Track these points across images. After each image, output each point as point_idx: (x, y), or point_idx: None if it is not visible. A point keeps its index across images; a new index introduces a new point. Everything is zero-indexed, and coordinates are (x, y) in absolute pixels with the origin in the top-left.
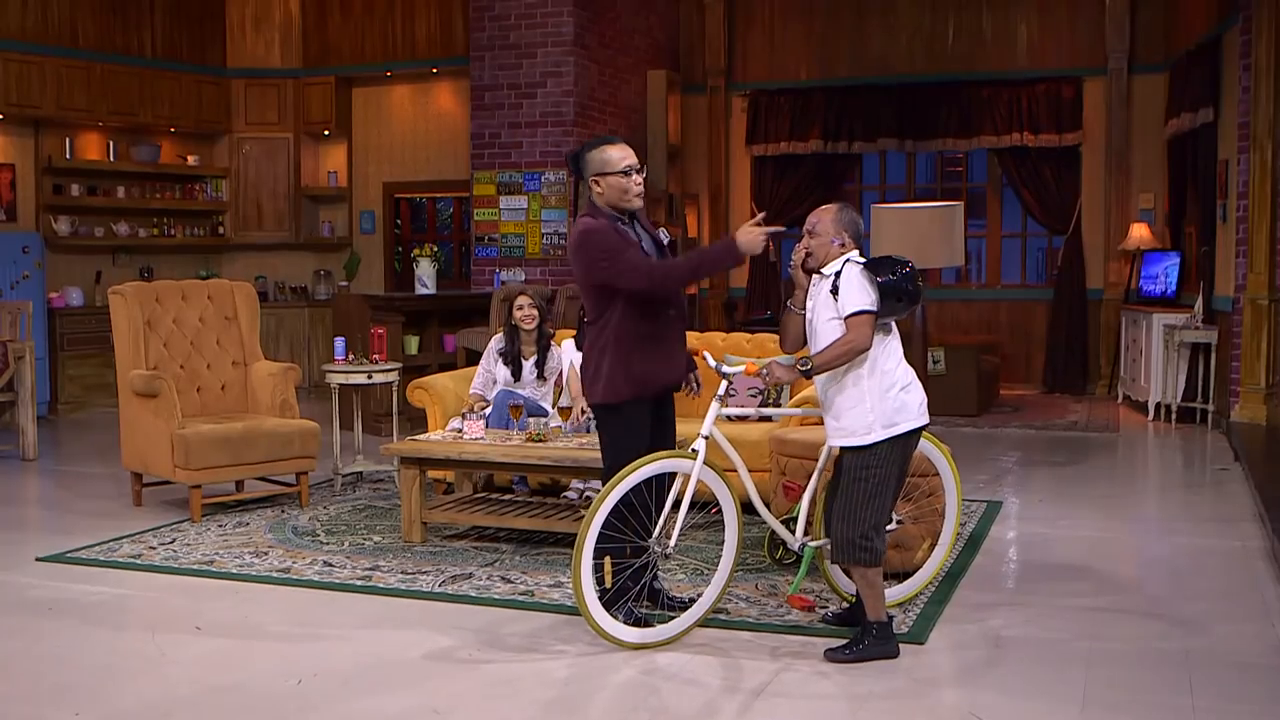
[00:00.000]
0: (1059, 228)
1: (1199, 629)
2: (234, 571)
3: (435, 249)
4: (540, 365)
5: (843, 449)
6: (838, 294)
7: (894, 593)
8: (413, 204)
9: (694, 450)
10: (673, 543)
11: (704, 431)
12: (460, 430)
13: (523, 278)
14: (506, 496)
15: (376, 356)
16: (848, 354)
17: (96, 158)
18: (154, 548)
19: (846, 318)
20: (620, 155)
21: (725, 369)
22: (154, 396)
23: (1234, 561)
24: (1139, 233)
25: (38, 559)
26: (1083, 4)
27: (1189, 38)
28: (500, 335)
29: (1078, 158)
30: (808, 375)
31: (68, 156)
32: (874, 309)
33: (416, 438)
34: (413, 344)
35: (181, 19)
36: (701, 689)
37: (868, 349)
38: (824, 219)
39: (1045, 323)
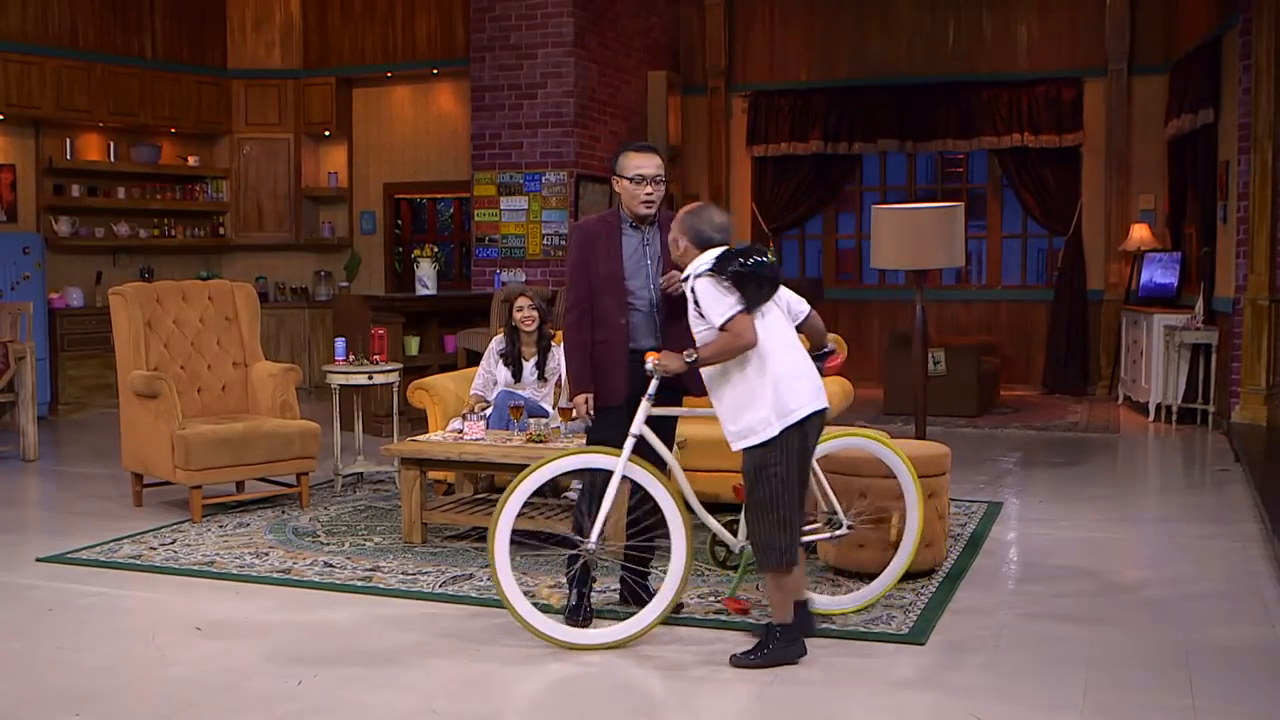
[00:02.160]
0: (1059, 228)
1: (1199, 629)
2: (234, 572)
3: (435, 250)
4: (540, 366)
5: (745, 451)
6: (700, 308)
7: (855, 597)
8: (413, 205)
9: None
10: (593, 540)
11: (634, 430)
12: (461, 431)
13: (523, 279)
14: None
15: (377, 357)
16: (733, 349)
17: (97, 158)
18: (154, 548)
19: (720, 328)
20: (636, 163)
21: (647, 366)
22: (154, 397)
23: (1234, 561)
24: (1139, 233)
25: (38, 560)
26: (1083, 5)
27: (1189, 39)
28: (501, 336)
29: (1078, 159)
30: (693, 366)
31: (68, 157)
32: (742, 307)
33: (417, 438)
34: (413, 345)
35: (182, 20)
36: (702, 688)
37: (753, 343)
38: (674, 221)
39: (1045, 323)
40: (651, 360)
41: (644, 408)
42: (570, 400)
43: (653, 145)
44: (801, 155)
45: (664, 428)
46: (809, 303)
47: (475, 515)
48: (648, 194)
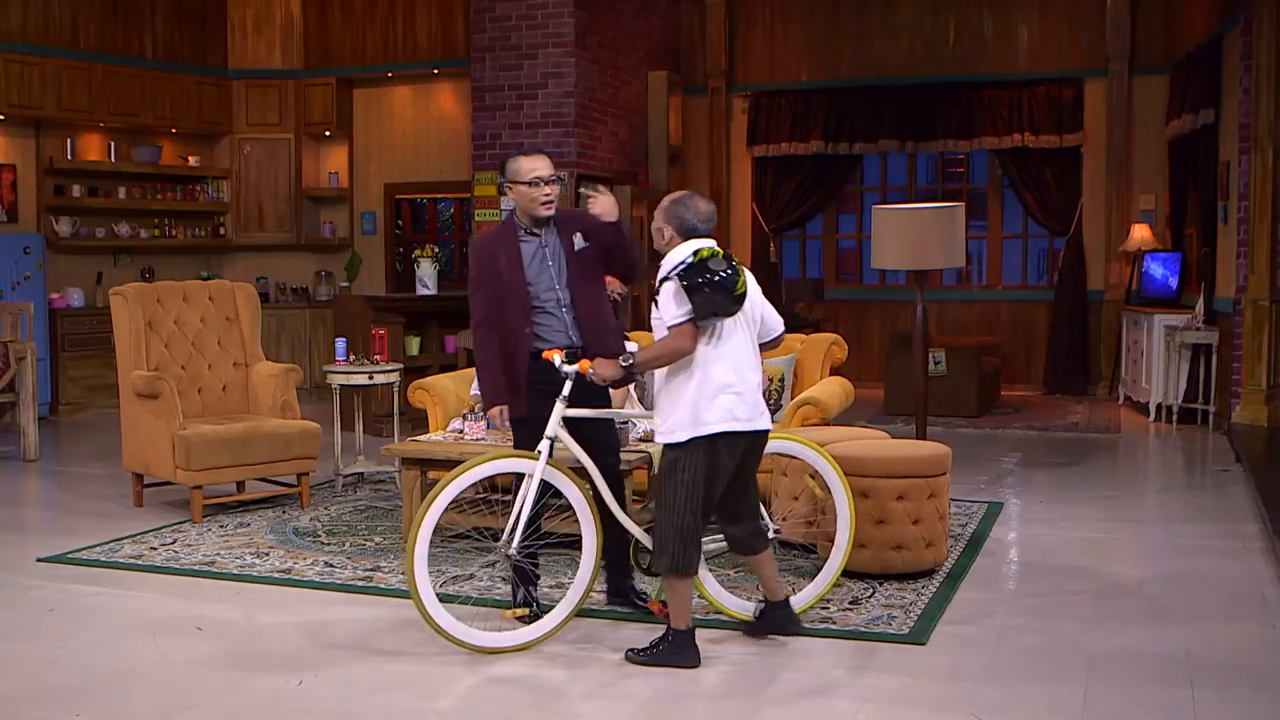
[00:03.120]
0: (1060, 229)
1: (1199, 629)
2: (235, 572)
3: (436, 250)
4: None
5: (663, 448)
6: (659, 307)
7: (795, 600)
8: (414, 205)
9: (538, 451)
10: (514, 546)
11: (549, 433)
12: (461, 431)
13: None
14: (508, 497)
15: (377, 357)
16: (669, 354)
17: (97, 158)
18: (155, 548)
19: (670, 328)
20: (530, 166)
21: (565, 369)
22: (155, 397)
23: (1234, 561)
24: (1140, 234)
25: (39, 560)
26: (1083, 5)
27: (1190, 39)
28: None
29: (1079, 159)
30: (630, 372)
31: (69, 157)
32: (690, 317)
33: (418, 438)
34: (414, 345)
35: (183, 20)
36: (707, 689)
37: (690, 350)
38: (658, 209)
39: (1046, 324)
40: (588, 369)
41: (558, 409)
42: (485, 414)
43: (540, 148)
44: (802, 155)
45: (601, 429)
46: (807, 304)
47: (475, 515)
48: (547, 195)
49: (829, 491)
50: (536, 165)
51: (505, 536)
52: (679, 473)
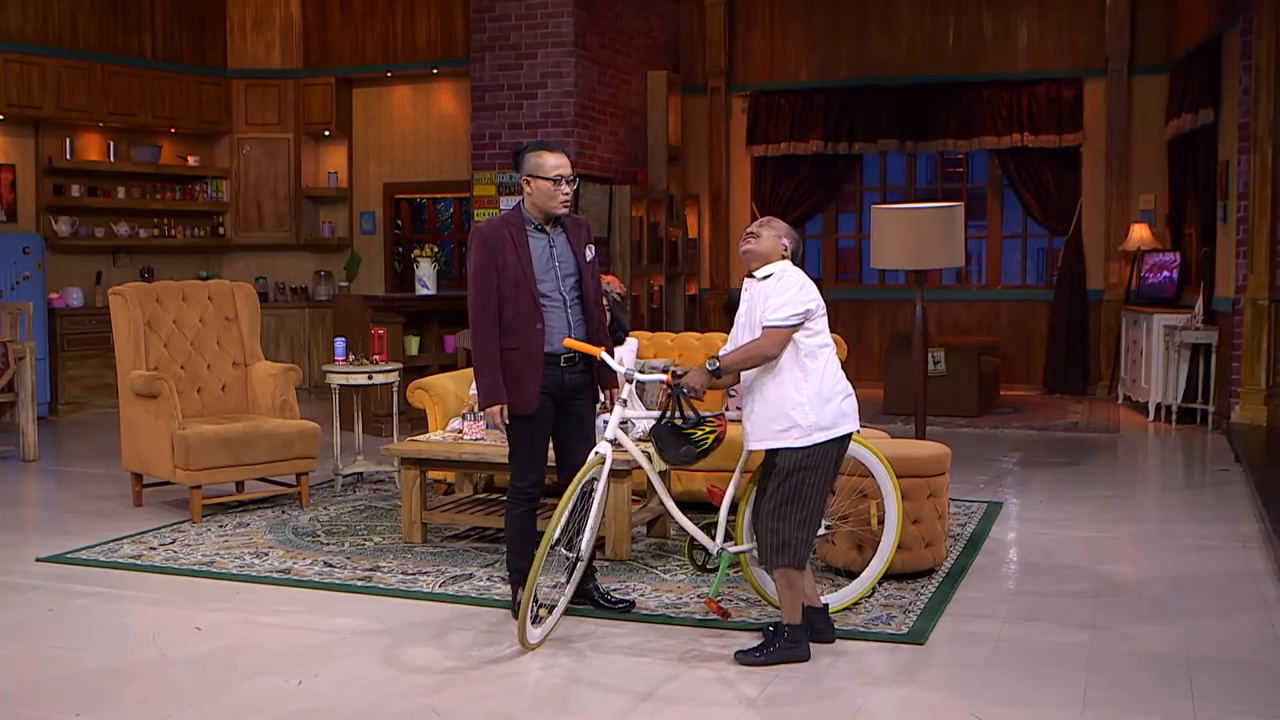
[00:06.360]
0: (1059, 228)
1: (1199, 629)
2: (234, 572)
3: (435, 249)
4: None
5: (777, 450)
6: (769, 290)
7: (835, 598)
8: (413, 204)
9: (599, 454)
10: (584, 548)
11: (609, 435)
12: (461, 431)
13: None
14: (506, 497)
15: (377, 357)
16: (756, 357)
17: (97, 158)
18: (154, 548)
19: (767, 328)
20: (555, 163)
21: (639, 376)
22: (154, 397)
23: (1234, 561)
24: (1139, 233)
25: (38, 559)
26: (1083, 5)
27: (1189, 39)
28: None
29: (1078, 159)
30: (717, 376)
31: (68, 157)
32: (799, 323)
33: (417, 438)
34: (413, 344)
35: (182, 20)
36: (709, 688)
37: (776, 357)
38: (775, 222)
39: (1046, 323)
40: (675, 378)
41: (618, 413)
42: (482, 412)
43: (561, 144)
44: (802, 155)
45: (590, 427)
46: None
47: (475, 515)
48: (565, 194)
49: (882, 522)
50: (561, 163)
51: (565, 540)
52: (807, 471)
